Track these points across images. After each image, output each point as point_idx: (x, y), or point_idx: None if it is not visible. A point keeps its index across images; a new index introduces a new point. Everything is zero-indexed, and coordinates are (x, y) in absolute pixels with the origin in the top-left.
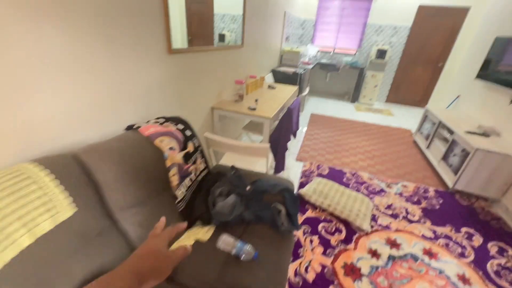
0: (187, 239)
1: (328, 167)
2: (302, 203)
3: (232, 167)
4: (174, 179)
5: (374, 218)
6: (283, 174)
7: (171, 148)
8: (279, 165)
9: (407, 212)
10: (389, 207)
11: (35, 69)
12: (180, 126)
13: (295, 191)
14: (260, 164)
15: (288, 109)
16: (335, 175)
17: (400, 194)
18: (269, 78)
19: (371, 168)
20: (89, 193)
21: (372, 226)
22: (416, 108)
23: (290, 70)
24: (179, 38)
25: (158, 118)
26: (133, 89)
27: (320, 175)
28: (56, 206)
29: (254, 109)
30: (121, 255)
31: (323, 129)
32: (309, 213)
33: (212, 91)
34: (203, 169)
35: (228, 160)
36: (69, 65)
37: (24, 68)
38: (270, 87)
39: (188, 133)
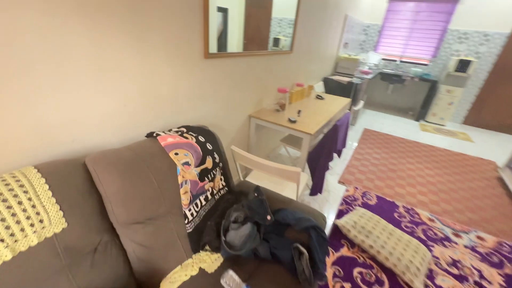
0: (191, 267)
1: (377, 196)
2: (337, 236)
3: (256, 189)
4: (185, 197)
5: (430, 275)
6: (319, 198)
7: (185, 163)
8: (317, 187)
9: (481, 276)
10: (454, 263)
11: (58, 68)
12: (202, 138)
13: (331, 221)
14: (292, 187)
15: (334, 125)
16: (384, 208)
17: (473, 249)
18: (319, 87)
19: (434, 206)
20: (89, 204)
21: (426, 286)
22: (505, 135)
23: (345, 79)
24: (235, 42)
25: (181, 127)
26: (163, 93)
27: (365, 205)
28: (43, 220)
29: (294, 121)
30: (114, 276)
31: (376, 148)
32: (345, 251)
33: (251, 98)
34: (222, 188)
35: (256, 177)
36: (95, 66)
37: (46, 66)
38: (318, 97)
39: (209, 146)
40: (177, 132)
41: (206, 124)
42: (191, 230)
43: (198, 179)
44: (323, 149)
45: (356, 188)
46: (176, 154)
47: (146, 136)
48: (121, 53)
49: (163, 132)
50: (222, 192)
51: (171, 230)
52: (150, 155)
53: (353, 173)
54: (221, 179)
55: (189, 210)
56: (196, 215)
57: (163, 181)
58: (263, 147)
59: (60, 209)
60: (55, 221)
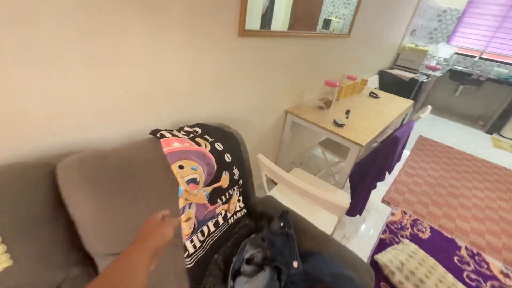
0: None
1: (431, 229)
2: (376, 273)
3: (282, 216)
4: (187, 226)
5: None
6: (354, 217)
7: (191, 181)
8: (357, 207)
9: None
10: None
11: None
12: (219, 146)
13: (365, 253)
14: (328, 217)
15: (394, 137)
16: (441, 247)
17: None
18: (372, 82)
19: (510, 254)
20: (51, 231)
21: None
22: None
23: (407, 74)
24: (280, 20)
25: (195, 126)
26: (178, 78)
27: (415, 238)
28: None
29: (341, 125)
30: None
31: (433, 163)
32: None
33: (291, 89)
34: (239, 210)
35: (283, 189)
36: (87, 38)
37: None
38: (372, 95)
39: (227, 158)
40: (188, 133)
41: (230, 120)
42: (191, 264)
43: (207, 202)
44: (373, 164)
45: (405, 212)
46: (181, 167)
47: (150, 134)
48: (123, 19)
49: (170, 132)
50: (238, 214)
51: (165, 263)
52: (145, 165)
53: (402, 192)
54: (238, 200)
55: (191, 241)
56: (200, 247)
57: (158, 204)
58: (296, 145)
59: (2, 241)
60: None
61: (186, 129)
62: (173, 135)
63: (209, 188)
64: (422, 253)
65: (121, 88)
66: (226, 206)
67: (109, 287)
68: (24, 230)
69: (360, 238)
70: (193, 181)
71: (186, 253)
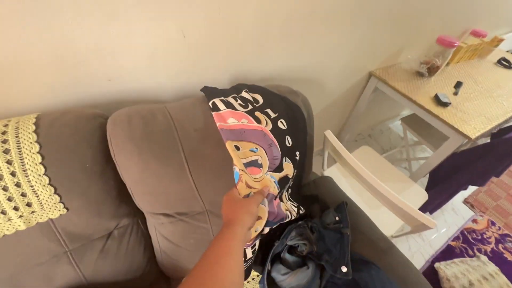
0: None
1: None
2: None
3: (339, 209)
4: (258, 226)
5: None
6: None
7: (252, 164)
8: (432, 204)
9: None
10: None
11: None
12: (283, 125)
13: (428, 259)
14: (392, 216)
15: None
16: None
17: None
18: (508, 44)
19: None
20: (100, 186)
21: None
22: None
23: None
24: None
25: (257, 91)
26: (245, 21)
27: (497, 256)
28: (32, 204)
29: (446, 104)
30: (130, 264)
31: None
32: None
33: (384, 45)
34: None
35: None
36: None
37: None
38: (502, 62)
39: (288, 141)
40: (246, 103)
41: (298, 79)
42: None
43: (277, 193)
44: (475, 164)
45: (493, 223)
46: (237, 148)
47: (201, 90)
48: None
49: (225, 101)
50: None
51: (207, 231)
52: (193, 133)
53: (497, 197)
54: (287, 197)
55: (252, 246)
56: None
57: (205, 177)
58: (371, 115)
59: (55, 192)
60: (48, 207)
61: (245, 95)
62: (228, 105)
63: (277, 175)
64: (503, 279)
65: (177, 31)
66: (284, 204)
67: (207, 273)
68: (76, 181)
69: (423, 237)
70: (254, 163)
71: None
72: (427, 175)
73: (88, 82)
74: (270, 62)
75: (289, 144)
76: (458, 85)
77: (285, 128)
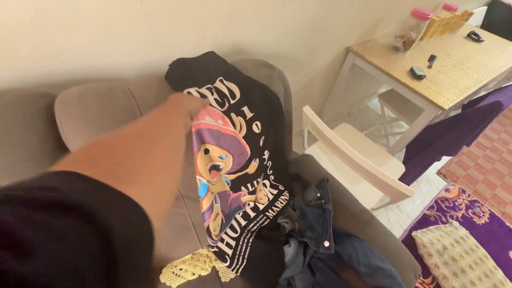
0: (203, 262)
1: (491, 214)
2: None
3: (321, 185)
4: (216, 225)
5: None
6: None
7: (213, 168)
8: (408, 177)
9: None
10: None
11: None
12: (257, 128)
13: (402, 226)
14: (373, 188)
15: (494, 102)
16: (497, 236)
17: None
18: (476, 17)
19: None
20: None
21: None
22: None
23: None
24: None
25: (234, 81)
26: None
27: (467, 221)
28: None
29: (420, 77)
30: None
31: None
32: None
33: (360, 19)
34: (277, 196)
35: (325, 149)
36: None
37: None
38: (472, 36)
39: (261, 142)
40: (222, 98)
41: (275, 55)
42: (238, 273)
43: (228, 188)
44: (447, 134)
45: (463, 191)
46: (207, 152)
47: (169, 66)
48: None
49: (199, 91)
50: (279, 204)
51: (184, 217)
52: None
53: (466, 167)
54: (264, 185)
55: (221, 240)
56: (238, 245)
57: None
58: (350, 93)
59: None
60: None
61: (220, 86)
62: (202, 96)
63: (232, 176)
64: (472, 241)
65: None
66: (253, 197)
67: (143, 135)
68: (21, 172)
69: (401, 209)
70: (215, 168)
71: (228, 262)
72: (404, 149)
73: (32, 58)
74: (242, 36)
75: (261, 143)
76: (432, 58)
77: (260, 131)
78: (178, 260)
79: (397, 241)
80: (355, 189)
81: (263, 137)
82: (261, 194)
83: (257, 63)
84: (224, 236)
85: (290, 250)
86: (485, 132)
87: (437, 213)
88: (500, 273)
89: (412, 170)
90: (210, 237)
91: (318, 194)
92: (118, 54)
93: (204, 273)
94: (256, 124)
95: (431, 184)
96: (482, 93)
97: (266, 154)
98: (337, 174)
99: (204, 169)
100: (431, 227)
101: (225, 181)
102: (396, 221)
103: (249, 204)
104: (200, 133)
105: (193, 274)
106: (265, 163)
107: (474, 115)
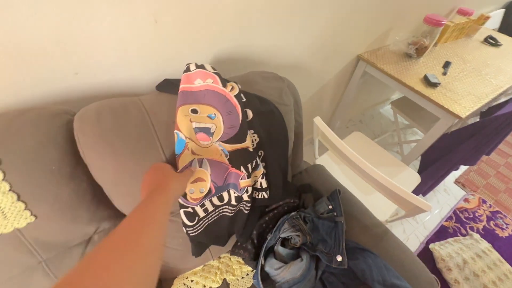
0: (214, 275)
1: None
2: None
3: (332, 197)
4: (196, 188)
5: None
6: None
7: (203, 130)
8: (424, 187)
9: None
10: None
11: None
12: (253, 138)
13: (423, 240)
14: (386, 201)
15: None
16: None
17: None
18: (493, 21)
19: None
20: (71, 188)
21: None
22: None
23: None
24: None
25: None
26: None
27: (489, 234)
28: None
29: (435, 84)
30: None
31: None
32: None
33: (371, 27)
34: (261, 190)
35: (336, 159)
36: None
37: None
38: (489, 40)
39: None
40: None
41: (284, 65)
42: (197, 232)
43: (226, 160)
44: (465, 143)
45: (484, 201)
46: (195, 112)
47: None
48: None
49: (198, 66)
50: (260, 196)
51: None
52: (172, 122)
53: (486, 175)
54: (262, 176)
55: (202, 205)
56: (214, 211)
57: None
58: (361, 100)
59: (19, 199)
60: (12, 216)
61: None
62: (199, 67)
63: (229, 147)
64: (495, 255)
65: (148, 15)
66: (249, 181)
67: (128, 240)
68: (42, 186)
69: (417, 219)
70: (206, 131)
71: (196, 219)
72: (419, 158)
73: (52, 77)
74: (252, 47)
75: (248, 119)
76: (446, 65)
77: (256, 142)
78: (189, 271)
79: (413, 256)
80: (368, 200)
81: (258, 140)
82: (254, 179)
83: (267, 76)
84: (206, 202)
85: (302, 265)
86: (507, 139)
87: (455, 225)
88: None
89: (428, 180)
90: (184, 197)
91: (330, 206)
92: (132, 69)
93: (214, 285)
94: (247, 111)
95: (449, 193)
96: (502, 99)
97: (260, 153)
98: (349, 184)
99: (185, 125)
100: (449, 239)
101: (222, 150)
102: (412, 232)
103: (247, 191)
104: (185, 95)
105: (204, 286)
106: (257, 141)
107: (494, 124)
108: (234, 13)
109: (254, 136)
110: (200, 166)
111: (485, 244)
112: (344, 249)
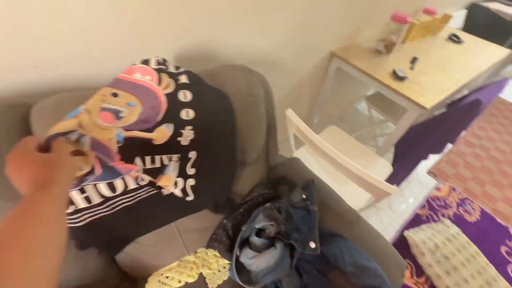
0: (189, 269)
1: (482, 211)
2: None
3: (307, 187)
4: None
5: None
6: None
7: (111, 111)
8: (397, 177)
9: None
10: None
11: None
12: (184, 96)
13: (395, 227)
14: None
15: (473, 100)
16: (489, 233)
17: None
18: (456, 20)
19: None
20: None
21: None
22: None
23: (510, 10)
24: None
25: (184, 72)
26: None
27: (459, 219)
28: None
29: (402, 78)
30: (80, 271)
31: (508, 134)
32: (407, 279)
33: (343, 24)
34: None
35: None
36: None
37: None
38: (453, 38)
39: (185, 115)
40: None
41: (258, 60)
42: (82, 223)
43: (115, 149)
44: (435, 132)
45: (453, 189)
46: (115, 95)
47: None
48: None
49: (143, 61)
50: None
51: (169, 224)
52: None
53: (455, 165)
54: (175, 185)
55: (82, 191)
56: (103, 203)
57: None
58: (338, 96)
59: None
60: None
61: (174, 71)
62: (144, 63)
63: (128, 133)
64: (463, 238)
65: (111, 7)
66: (146, 176)
67: (8, 238)
68: None
69: (393, 209)
70: (114, 111)
71: (72, 208)
72: (393, 150)
73: (11, 69)
74: (221, 43)
75: (187, 117)
76: (413, 60)
77: (186, 101)
78: (164, 268)
79: (384, 240)
80: (343, 190)
81: (192, 126)
82: (164, 183)
83: (236, 68)
84: (90, 188)
85: (276, 253)
86: (473, 131)
87: (429, 212)
88: (492, 270)
89: (401, 170)
90: None
91: (304, 196)
92: (98, 62)
93: (190, 280)
94: (184, 93)
95: (422, 183)
96: (465, 92)
97: (187, 133)
98: (324, 176)
99: (93, 100)
100: (422, 226)
101: (116, 136)
102: (389, 222)
103: (144, 180)
104: (118, 82)
105: (179, 281)
106: (182, 143)
107: (456, 113)
108: (201, 7)
109: (190, 133)
110: (77, 142)
111: (455, 229)
112: (317, 236)
